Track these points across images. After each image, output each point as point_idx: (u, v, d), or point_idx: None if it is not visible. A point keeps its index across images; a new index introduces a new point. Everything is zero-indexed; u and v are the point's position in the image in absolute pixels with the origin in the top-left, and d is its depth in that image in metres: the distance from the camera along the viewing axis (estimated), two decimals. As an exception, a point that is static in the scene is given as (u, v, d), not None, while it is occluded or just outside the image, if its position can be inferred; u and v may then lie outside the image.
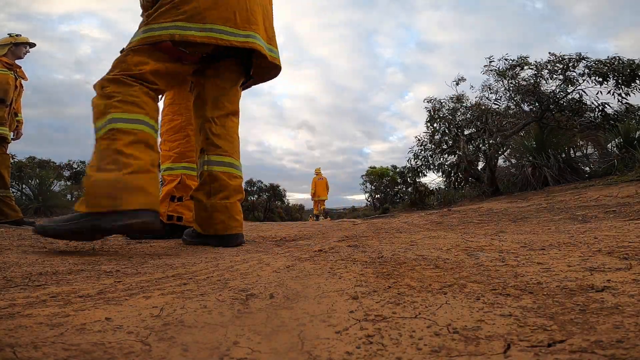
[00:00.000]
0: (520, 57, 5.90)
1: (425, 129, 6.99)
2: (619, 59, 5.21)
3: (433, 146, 6.67)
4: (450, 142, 6.27)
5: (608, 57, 5.30)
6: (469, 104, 6.47)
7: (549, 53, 5.65)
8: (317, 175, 10.14)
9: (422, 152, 7.01)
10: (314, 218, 9.78)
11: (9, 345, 0.36)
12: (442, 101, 6.73)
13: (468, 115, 6.20)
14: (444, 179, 6.89)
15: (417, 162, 7.17)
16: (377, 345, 0.37)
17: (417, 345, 0.36)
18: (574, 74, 5.42)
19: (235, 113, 1.55)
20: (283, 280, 0.68)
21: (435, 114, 6.61)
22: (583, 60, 5.33)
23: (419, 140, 7.09)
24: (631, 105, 5.31)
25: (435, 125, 6.67)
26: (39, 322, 0.43)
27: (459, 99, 6.60)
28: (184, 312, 0.48)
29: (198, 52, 1.36)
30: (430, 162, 6.95)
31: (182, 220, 1.81)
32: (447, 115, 6.50)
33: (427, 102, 6.87)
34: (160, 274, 0.75)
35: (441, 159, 6.56)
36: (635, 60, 5.09)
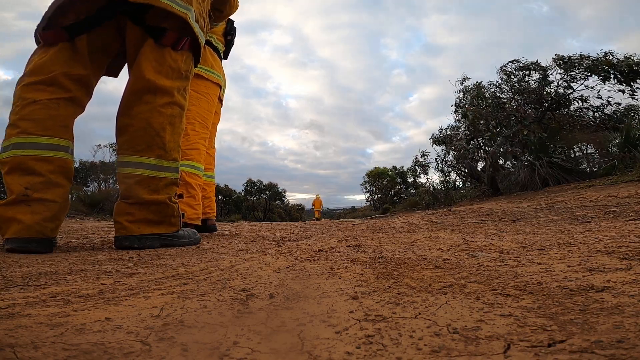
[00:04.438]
0: (534, 63, 5.91)
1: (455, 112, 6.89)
2: (613, 55, 5.21)
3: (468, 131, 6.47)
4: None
5: (602, 51, 5.30)
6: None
7: (555, 55, 5.68)
8: (317, 197, 17.42)
9: (439, 145, 7.01)
10: (315, 219, 14.34)
11: (9, 345, 0.36)
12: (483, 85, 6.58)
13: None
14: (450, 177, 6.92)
15: (425, 160, 7.22)
16: (377, 345, 0.37)
17: (417, 346, 0.36)
18: (575, 72, 5.43)
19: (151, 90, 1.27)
20: (283, 280, 0.68)
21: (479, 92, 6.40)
22: (586, 60, 5.33)
23: (432, 140, 7.13)
24: (634, 105, 5.32)
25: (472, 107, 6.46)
26: (39, 322, 0.43)
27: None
28: (184, 312, 0.48)
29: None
30: (444, 159, 6.95)
31: (184, 217, 1.82)
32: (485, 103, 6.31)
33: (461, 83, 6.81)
34: (160, 274, 0.75)
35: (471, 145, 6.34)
36: (633, 56, 5.10)
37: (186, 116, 2.02)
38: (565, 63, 5.48)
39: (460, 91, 6.83)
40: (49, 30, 1.22)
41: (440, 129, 7.24)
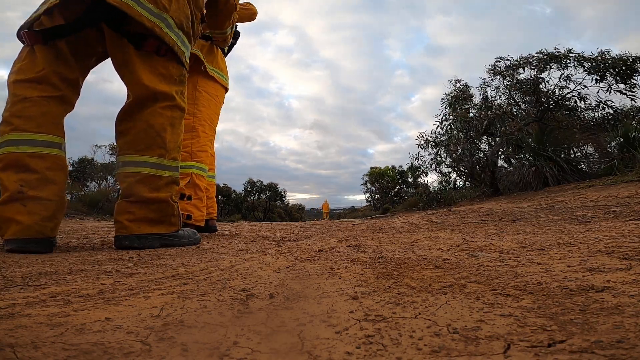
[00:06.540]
0: (521, 58, 5.91)
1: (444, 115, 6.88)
2: (607, 54, 5.22)
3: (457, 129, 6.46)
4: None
5: (597, 49, 5.31)
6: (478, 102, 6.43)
7: (537, 52, 5.70)
8: (325, 202, 18.58)
9: (431, 146, 6.97)
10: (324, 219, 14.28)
11: (9, 345, 0.36)
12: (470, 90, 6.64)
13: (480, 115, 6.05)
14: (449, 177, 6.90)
15: (421, 161, 7.18)
16: (377, 345, 0.37)
17: (417, 346, 0.36)
18: (570, 71, 5.44)
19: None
20: (283, 280, 0.68)
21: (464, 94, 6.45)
22: (571, 55, 5.35)
23: (423, 137, 7.07)
24: (636, 106, 5.33)
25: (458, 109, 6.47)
26: (39, 322, 0.43)
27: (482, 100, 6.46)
28: (184, 312, 0.48)
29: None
30: (440, 158, 6.91)
31: (191, 219, 1.83)
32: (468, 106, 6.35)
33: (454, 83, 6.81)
34: (160, 274, 0.75)
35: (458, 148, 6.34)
36: (627, 54, 5.11)
37: (198, 117, 2.03)
38: (550, 58, 5.49)
39: (445, 99, 6.82)
40: (30, 31, 1.22)
41: (433, 132, 7.18)
